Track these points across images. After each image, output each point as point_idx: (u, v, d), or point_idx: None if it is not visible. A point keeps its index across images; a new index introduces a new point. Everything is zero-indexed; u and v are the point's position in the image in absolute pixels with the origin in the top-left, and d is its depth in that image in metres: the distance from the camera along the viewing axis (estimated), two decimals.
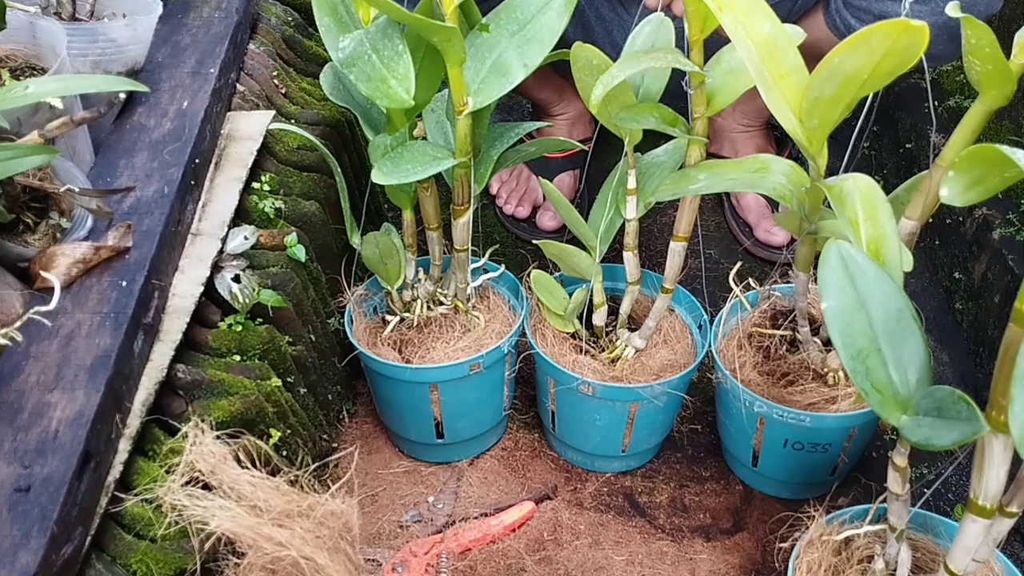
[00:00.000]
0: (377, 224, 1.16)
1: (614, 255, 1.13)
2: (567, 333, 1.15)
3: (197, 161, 1.07)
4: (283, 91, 1.33)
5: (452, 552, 1.08)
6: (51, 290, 0.80)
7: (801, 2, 1.26)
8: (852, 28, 1.19)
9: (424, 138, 1.05)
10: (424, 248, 1.12)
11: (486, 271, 1.17)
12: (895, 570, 0.85)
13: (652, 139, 1.02)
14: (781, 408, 1.05)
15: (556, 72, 1.47)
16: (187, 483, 0.80)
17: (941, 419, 0.67)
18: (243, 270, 1.04)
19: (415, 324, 1.14)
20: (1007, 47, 0.74)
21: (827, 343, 1.09)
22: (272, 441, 0.97)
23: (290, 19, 1.45)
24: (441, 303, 1.15)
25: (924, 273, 1.47)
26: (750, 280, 1.16)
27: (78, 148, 1.07)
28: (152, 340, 0.92)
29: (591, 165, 1.55)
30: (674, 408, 1.16)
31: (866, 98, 0.79)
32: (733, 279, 1.13)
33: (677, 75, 0.95)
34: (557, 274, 1.16)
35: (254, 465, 0.84)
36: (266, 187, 1.15)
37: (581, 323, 1.15)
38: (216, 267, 1.02)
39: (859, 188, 0.77)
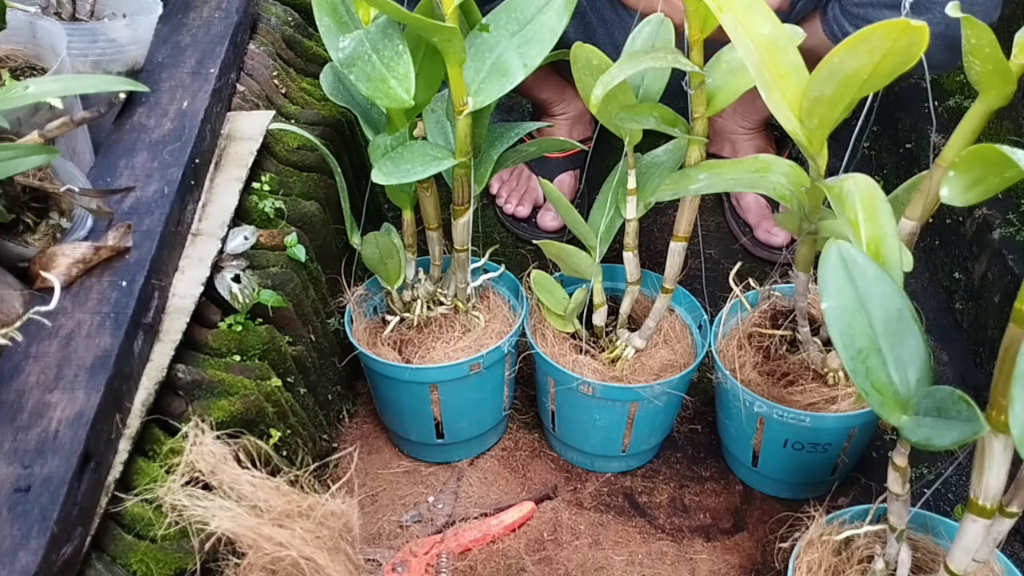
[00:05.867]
0: (377, 224, 1.16)
1: (614, 255, 1.13)
2: (567, 333, 1.15)
3: (197, 161, 1.07)
4: (283, 91, 1.33)
5: (452, 552, 1.08)
6: (51, 290, 0.80)
7: (799, 7, 1.26)
8: (849, 35, 1.19)
9: (424, 138, 1.05)
10: (424, 248, 1.12)
11: (486, 271, 1.17)
12: (895, 570, 0.85)
13: (652, 139, 1.02)
14: (781, 408, 1.05)
15: (556, 72, 1.47)
16: (187, 483, 0.80)
17: (941, 419, 0.67)
18: (243, 270, 1.04)
19: (415, 324, 1.14)
20: (1007, 47, 0.74)
21: (827, 343, 1.09)
22: (272, 441, 0.97)
23: (290, 19, 1.45)
24: (441, 303, 1.15)
25: (924, 273, 1.47)
26: (750, 280, 1.16)
27: (78, 148, 1.07)
28: (152, 340, 0.92)
29: (591, 165, 1.55)
30: (674, 408, 1.16)
31: (866, 98, 0.79)
32: (733, 279, 1.13)
33: (677, 75, 0.95)
34: (557, 274, 1.16)
35: (254, 465, 0.84)
36: (266, 187, 1.15)
37: (581, 323, 1.15)
38: (216, 267, 1.02)
39: (859, 188, 0.77)
